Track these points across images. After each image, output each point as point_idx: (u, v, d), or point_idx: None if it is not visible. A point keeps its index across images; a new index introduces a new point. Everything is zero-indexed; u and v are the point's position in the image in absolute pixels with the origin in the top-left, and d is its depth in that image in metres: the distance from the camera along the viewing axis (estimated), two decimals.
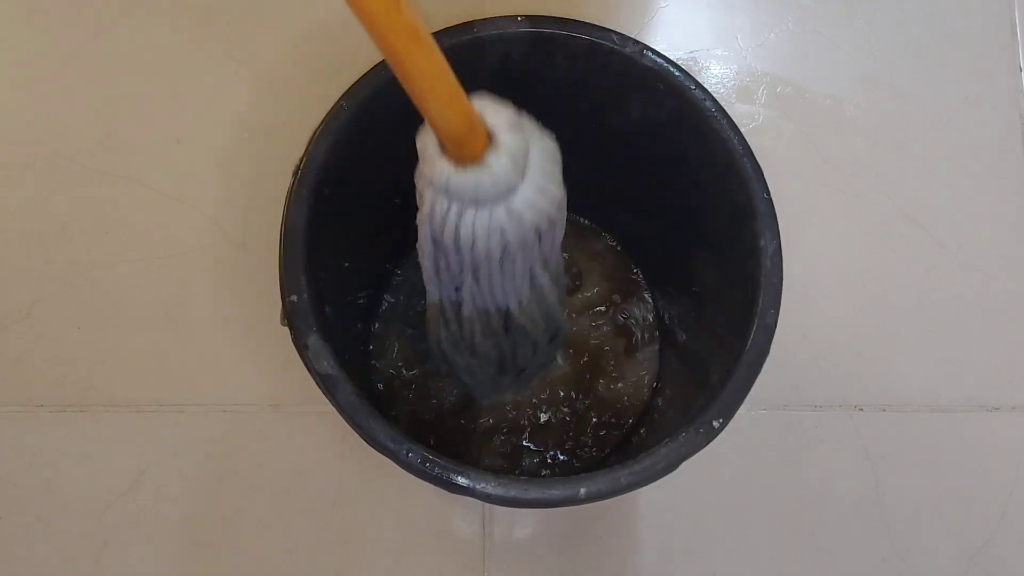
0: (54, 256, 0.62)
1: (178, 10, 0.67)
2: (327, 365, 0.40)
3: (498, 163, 0.34)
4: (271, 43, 0.66)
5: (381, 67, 0.44)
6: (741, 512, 0.60)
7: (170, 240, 0.62)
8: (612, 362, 0.60)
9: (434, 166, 0.35)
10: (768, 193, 0.45)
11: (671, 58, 0.46)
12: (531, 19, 0.45)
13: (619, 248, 0.62)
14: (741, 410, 0.61)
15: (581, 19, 0.46)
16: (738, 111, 0.66)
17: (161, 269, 0.62)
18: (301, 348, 0.40)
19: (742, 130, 0.45)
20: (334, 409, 0.40)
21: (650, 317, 0.61)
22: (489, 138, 0.34)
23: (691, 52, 0.68)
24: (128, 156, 0.64)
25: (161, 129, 0.64)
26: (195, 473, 0.58)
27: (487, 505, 0.59)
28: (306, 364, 0.40)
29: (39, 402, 0.59)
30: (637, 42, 0.45)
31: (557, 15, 0.46)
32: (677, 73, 0.45)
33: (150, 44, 0.66)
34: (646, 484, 0.40)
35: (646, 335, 0.60)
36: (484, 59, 0.46)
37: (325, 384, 0.40)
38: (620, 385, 0.59)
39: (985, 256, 0.65)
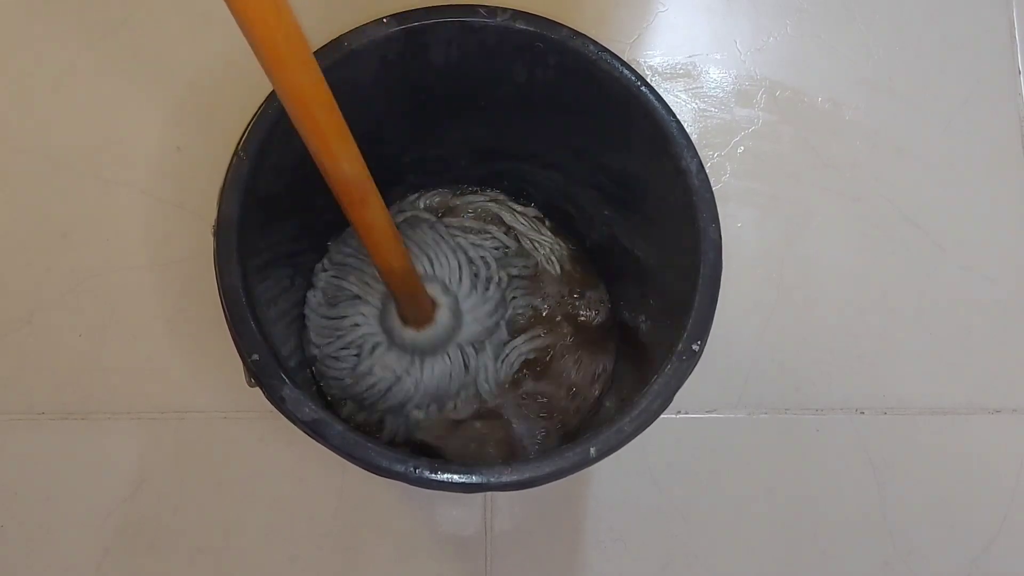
0: (55, 263, 0.62)
1: (176, 15, 0.67)
2: (309, 411, 0.39)
3: (442, 318, 0.52)
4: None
5: (267, 106, 0.44)
6: (743, 516, 0.60)
7: (171, 247, 0.62)
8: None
9: (401, 333, 0.52)
10: (675, 116, 0.44)
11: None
12: (396, 17, 0.44)
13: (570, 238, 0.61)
14: (742, 414, 0.61)
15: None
16: (737, 115, 0.66)
17: (162, 276, 0.62)
18: (278, 402, 0.40)
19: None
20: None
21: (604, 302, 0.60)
22: (433, 305, 0.52)
23: (690, 56, 0.68)
24: (128, 163, 0.64)
25: (161, 136, 0.64)
26: (196, 480, 0.58)
27: (488, 504, 0.59)
28: (287, 415, 0.39)
29: (40, 410, 0.59)
30: (506, 10, 0.44)
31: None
32: (552, 28, 0.45)
33: (150, 50, 0.66)
34: (648, 426, 0.40)
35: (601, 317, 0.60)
36: (361, 71, 0.45)
37: (313, 429, 0.39)
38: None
39: (985, 258, 0.65)
